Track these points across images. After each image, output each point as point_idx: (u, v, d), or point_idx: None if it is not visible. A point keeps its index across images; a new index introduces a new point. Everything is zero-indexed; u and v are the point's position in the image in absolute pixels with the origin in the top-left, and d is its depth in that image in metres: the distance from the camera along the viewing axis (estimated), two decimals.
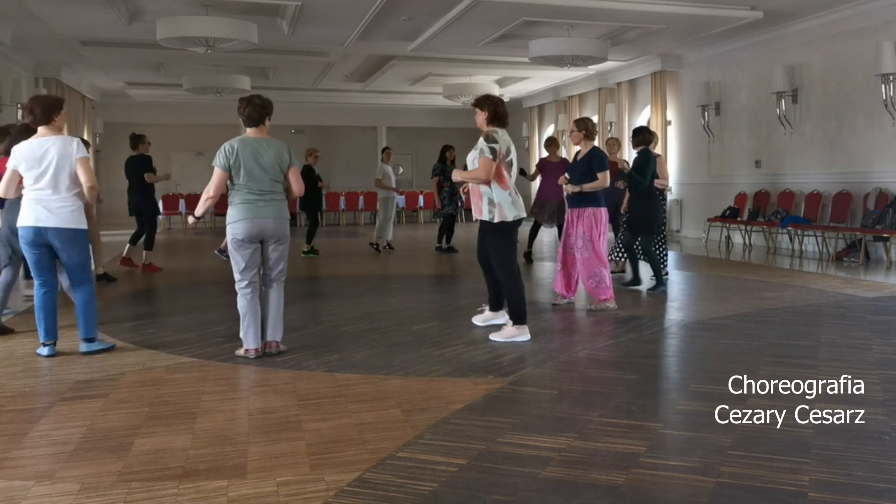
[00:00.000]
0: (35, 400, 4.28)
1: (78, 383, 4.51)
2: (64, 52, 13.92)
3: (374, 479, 3.01)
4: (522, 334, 5.55)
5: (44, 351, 5.17)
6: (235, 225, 4.98)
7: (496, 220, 5.57)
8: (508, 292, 5.66)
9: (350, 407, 4.00)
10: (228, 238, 5.07)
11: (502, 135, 5.58)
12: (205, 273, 10.24)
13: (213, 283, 9.37)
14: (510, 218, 5.57)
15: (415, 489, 2.90)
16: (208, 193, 5.03)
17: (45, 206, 4.97)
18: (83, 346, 5.24)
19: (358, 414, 3.87)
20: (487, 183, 5.54)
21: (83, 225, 5.10)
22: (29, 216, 5.00)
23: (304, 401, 4.12)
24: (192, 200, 20.45)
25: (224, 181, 4.99)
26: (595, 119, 17.05)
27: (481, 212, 5.63)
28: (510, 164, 5.58)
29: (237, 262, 5.06)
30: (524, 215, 5.70)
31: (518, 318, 5.58)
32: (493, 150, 5.49)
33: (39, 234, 5.00)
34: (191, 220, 5.42)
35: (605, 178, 6.74)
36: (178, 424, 3.73)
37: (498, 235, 5.63)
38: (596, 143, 7.06)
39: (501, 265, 5.64)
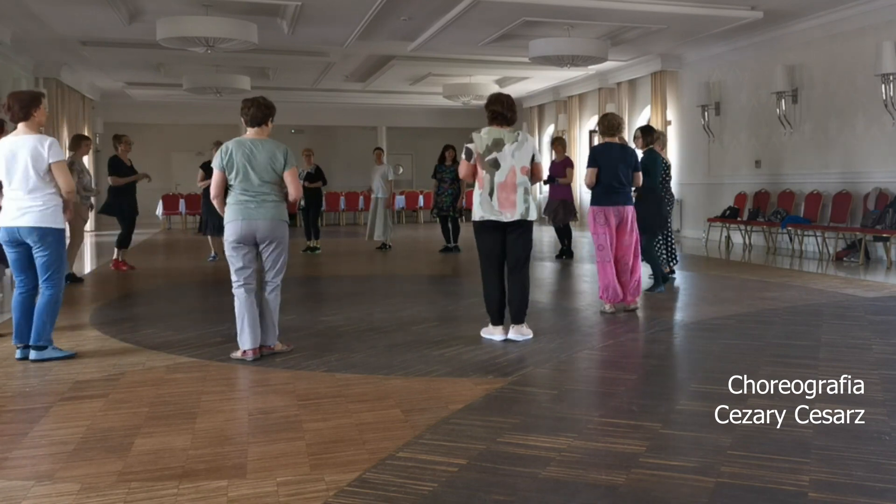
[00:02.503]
0: (35, 400, 4.28)
1: (78, 383, 4.51)
2: (64, 52, 13.91)
3: (374, 479, 3.01)
4: (494, 333, 5.58)
5: (17, 354, 5.07)
6: (228, 226, 5.01)
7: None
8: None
9: (350, 407, 4.00)
10: (224, 238, 5.10)
11: (484, 133, 5.46)
12: (204, 273, 10.24)
13: (212, 284, 9.37)
14: (476, 218, 5.54)
15: (415, 489, 2.90)
16: (212, 194, 5.11)
17: (17, 206, 4.89)
18: (32, 354, 4.98)
19: (358, 414, 3.87)
20: (472, 182, 5.60)
21: (57, 224, 4.96)
22: (5, 215, 4.94)
23: (304, 401, 4.12)
24: (192, 200, 20.42)
25: (221, 181, 5.00)
26: (595, 119, 17.10)
27: None
28: (491, 164, 5.41)
29: (232, 261, 5.04)
30: (491, 218, 5.42)
31: (492, 318, 5.60)
32: (466, 150, 5.52)
33: (13, 233, 4.93)
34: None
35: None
36: (178, 424, 3.73)
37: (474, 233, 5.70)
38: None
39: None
